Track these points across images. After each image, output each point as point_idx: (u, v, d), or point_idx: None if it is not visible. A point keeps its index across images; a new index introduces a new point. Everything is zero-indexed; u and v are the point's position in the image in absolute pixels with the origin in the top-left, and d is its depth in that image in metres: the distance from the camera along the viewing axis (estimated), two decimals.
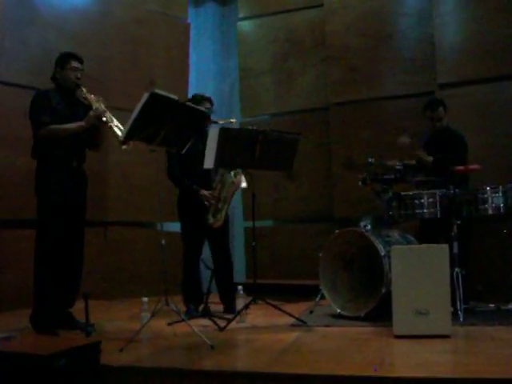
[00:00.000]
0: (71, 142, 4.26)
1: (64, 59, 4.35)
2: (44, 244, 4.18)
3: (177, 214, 5.13)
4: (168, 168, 5.00)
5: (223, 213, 4.88)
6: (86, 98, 4.33)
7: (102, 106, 4.27)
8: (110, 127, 4.19)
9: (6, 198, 5.40)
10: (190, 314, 4.65)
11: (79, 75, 4.34)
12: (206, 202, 4.86)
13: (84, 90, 4.34)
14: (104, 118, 4.21)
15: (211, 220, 4.86)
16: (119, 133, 4.08)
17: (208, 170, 4.68)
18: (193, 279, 5.04)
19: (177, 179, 5.00)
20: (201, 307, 4.76)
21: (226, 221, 5.13)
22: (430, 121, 5.16)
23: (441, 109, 5.10)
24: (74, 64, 4.34)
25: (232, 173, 4.78)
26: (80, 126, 4.24)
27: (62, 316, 4.27)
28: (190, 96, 6.93)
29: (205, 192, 4.88)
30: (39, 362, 2.85)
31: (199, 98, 5.06)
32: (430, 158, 5.02)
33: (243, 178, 4.83)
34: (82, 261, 4.44)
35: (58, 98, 4.29)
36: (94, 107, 4.25)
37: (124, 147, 4.01)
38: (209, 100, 5.12)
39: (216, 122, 4.79)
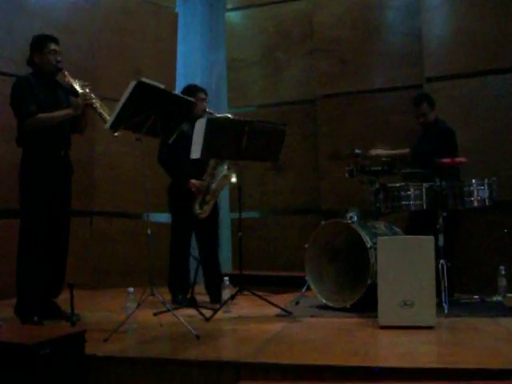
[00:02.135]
0: (58, 129, 4.18)
1: (41, 42, 4.20)
2: (28, 234, 4.13)
3: (167, 202, 5.13)
4: (159, 153, 5.01)
5: (210, 205, 4.85)
6: (69, 83, 4.22)
7: (89, 92, 4.17)
8: (100, 114, 4.11)
9: None
10: (180, 304, 4.66)
11: (59, 58, 4.21)
12: (193, 190, 4.85)
13: (67, 73, 4.22)
14: (92, 104, 4.12)
15: (198, 210, 4.85)
16: (109, 118, 4.01)
17: (205, 160, 4.69)
18: (181, 269, 5.05)
19: (166, 165, 5.00)
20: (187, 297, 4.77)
21: (217, 211, 5.15)
22: (416, 117, 5.19)
23: (425, 104, 5.12)
24: (53, 47, 4.20)
25: (225, 166, 4.74)
26: (68, 113, 4.15)
27: (48, 306, 4.24)
28: (179, 87, 6.98)
29: (194, 181, 4.86)
30: (24, 351, 2.84)
31: (193, 89, 5.06)
32: (406, 150, 5.11)
33: (234, 173, 4.81)
34: (67, 250, 4.39)
35: (38, 84, 4.17)
36: (80, 93, 4.15)
37: (116, 134, 3.99)
38: (204, 91, 5.13)
39: (211, 114, 4.79)
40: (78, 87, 4.20)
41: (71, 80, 4.23)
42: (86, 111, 4.24)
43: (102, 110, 4.13)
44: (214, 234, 5.24)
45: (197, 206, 4.86)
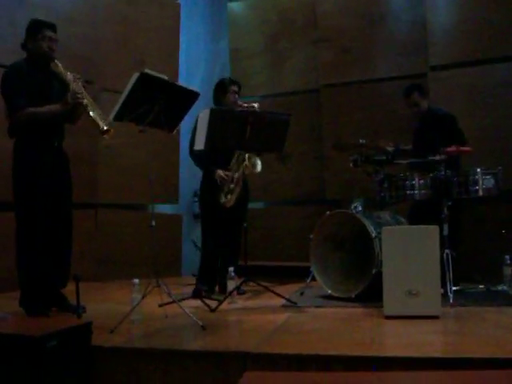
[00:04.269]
0: (48, 120, 4.09)
1: (35, 28, 4.06)
2: (25, 226, 4.06)
3: (198, 195, 5.17)
4: (190, 143, 5.00)
5: (235, 194, 4.83)
6: (61, 74, 4.09)
7: (81, 87, 4.04)
8: (89, 113, 4.00)
9: None
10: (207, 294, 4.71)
11: (54, 46, 4.09)
12: (219, 182, 4.87)
13: (59, 64, 4.10)
14: (82, 103, 4.00)
15: (223, 199, 4.84)
16: (99, 122, 3.95)
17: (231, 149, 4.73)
18: (212, 260, 5.07)
19: (195, 156, 4.99)
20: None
21: (246, 204, 5.18)
22: (408, 107, 5.17)
23: (415, 94, 5.09)
24: (47, 33, 4.06)
25: (246, 155, 4.75)
26: (57, 109, 4.02)
27: (54, 296, 4.24)
28: (182, 77, 6.98)
29: (220, 171, 4.87)
30: (31, 343, 2.85)
31: (227, 82, 5.11)
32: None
33: (258, 162, 4.81)
34: (71, 239, 4.34)
35: (31, 71, 4.05)
36: (71, 88, 4.02)
37: (105, 136, 3.97)
38: (237, 83, 5.16)
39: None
40: (69, 81, 4.07)
41: (62, 71, 4.10)
42: (77, 107, 4.11)
43: (92, 111, 4.02)
44: (239, 230, 5.19)
45: (222, 195, 4.86)
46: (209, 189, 4.99)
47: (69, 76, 4.10)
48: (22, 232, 4.08)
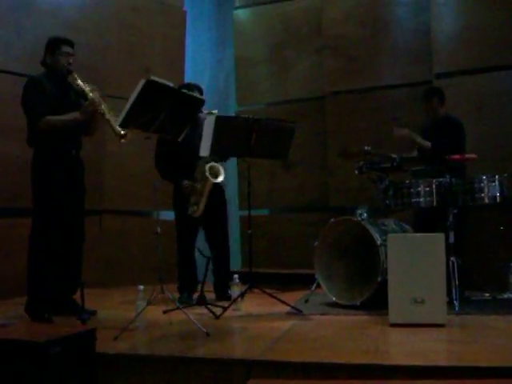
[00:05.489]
0: (69, 129, 4.21)
1: (54, 44, 4.27)
2: (40, 233, 4.14)
3: (172, 203, 5.15)
4: (155, 156, 5.02)
5: (201, 205, 4.76)
6: (78, 86, 4.25)
7: (98, 96, 4.19)
8: (108, 120, 4.11)
9: (1, 187, 5.37)
10: (185, 302, 4.67)
11: (71, 60, 4.28)
12: (185, 192, 4.84)
13: (76, 76, 4.26)
14: (100, 110, 4.13)
15: (190, 210, 4.81)
16: (117, 127, 3.98)
17: (194, 160, 4.70)
18: (187, 267, 5.08)
19: (160, 169, 4.97)
20: (195, 295, 4.78)
21: (223, 209, 5.19)
22: (424, 111, 5.16)
23: (434, 99, 5.09)
24: (65, 49, 4.27)
25: (207, 166, 4.65)
26: (75, 118, 4.18)
27: (64, 303, 4.27)
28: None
29: (185, 182, 4.83)
30: (35, 349, 2.85)
31: (191, 87, 5.06)
32: (428, 144, 5.02)
33: (222, 171, 4.71)
34: (82, 247, 4.42)
35: (50, 85, 4.22)
36: (88, 97, 4.17)
37: (122, 141, 4.00)
38: (198, 88, 5.11)
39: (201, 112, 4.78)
40: (87, 91, 4.21)
41: (81, 83, 4.26)
42: (95, 116, 4.26)
43: (109, 117, 4.11)
44: (223, 232, 5.24)
45: (189, 206, 4.81)
46: (178, 200, 4.99)
47: (87, 87, 4.25)
48: (37, 237, 4.17)
